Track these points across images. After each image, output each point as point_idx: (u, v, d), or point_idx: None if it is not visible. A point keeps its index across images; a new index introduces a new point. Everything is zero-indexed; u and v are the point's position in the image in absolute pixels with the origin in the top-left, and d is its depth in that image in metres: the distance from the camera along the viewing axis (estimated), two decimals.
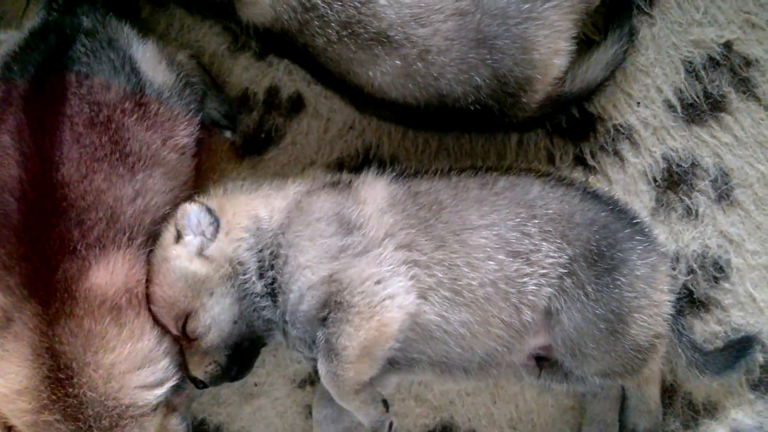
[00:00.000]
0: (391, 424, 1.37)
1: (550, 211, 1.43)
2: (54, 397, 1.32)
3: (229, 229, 1.41)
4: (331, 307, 1.35)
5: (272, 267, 1.40)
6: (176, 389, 1.45)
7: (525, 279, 1.38)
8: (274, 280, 1.40)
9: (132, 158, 1.41)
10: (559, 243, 1.40)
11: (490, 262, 1.38)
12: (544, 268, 1.39)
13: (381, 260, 1.37)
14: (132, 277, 1.38)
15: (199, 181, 1.63)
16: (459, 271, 1.37)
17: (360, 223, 1.39)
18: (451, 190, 1.44)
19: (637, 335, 1.41)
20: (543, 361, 1.47)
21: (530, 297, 1.38)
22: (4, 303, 1.34)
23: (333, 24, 1.41)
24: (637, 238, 1.45)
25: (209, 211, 1.41)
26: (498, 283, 1.37)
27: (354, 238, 1.38)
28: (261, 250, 1.41)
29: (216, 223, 1.41)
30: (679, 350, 1.54)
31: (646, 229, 1.50)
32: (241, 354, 1.44)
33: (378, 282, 1.35)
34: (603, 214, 1.45)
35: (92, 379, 1.32)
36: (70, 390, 1.31)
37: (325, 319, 1.35)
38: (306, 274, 1.36)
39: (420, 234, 1.39)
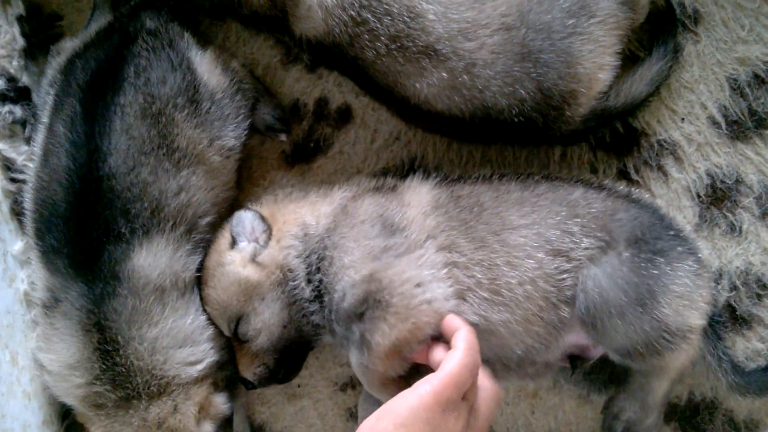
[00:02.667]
0: None
1: (593, 210, 1.43)
2: (104, 366, 1.39)
3: (280, 236, 1.47)
4: (369, 305, 1.37)
5: (319, 270, 1.44)
6: (227, 386, 1.51)
7: (564, 276, 1.38)
8: (321, 281, 1.44)
9: (178, 154, 1.46)
10: (599, 234, 1.40)
11: (529, 261, 1.38)
12: (581, 262, 1.39)
13: (422, 263, 1.39)
14: (176, 261, 1.45)
15: (249, 187, 1.70)
16: (498, 270, 1.39)
17: (403, 226, 1.42)
18: (493, 193, 1.47)
19: (666, 315, 1.37)
20: (577, 360, 1.46)
21: (567, 293, 1.38)
22: (53, 284, 1.42)
23: (382, 37, 1.46)
24: (680, 242, 1.44)
25: (262, 218, 1.47)
26: (537, 282, 1.38)
27: (397, 239, 1.41)
28: (309, 256, 1.46)
29: (269, 230, 1.47)
30: (720, 374, 1.52)
31: (691, 241, 1.49)
32: (289, 357, 1.49)
33: (418, 285, 1.37)
34: (646, 215, 1.45)
35: (137, 350, 1.39)
36: (118, 360, 1.39)
37: (362, 314, 1.38)
38: (350, 273, 1.39)
39: (461, 236, 1.42)
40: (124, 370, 1.39)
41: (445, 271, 1.39)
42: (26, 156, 1.59)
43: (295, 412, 1.69)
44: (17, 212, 1.59)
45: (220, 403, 1.45)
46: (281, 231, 1.47)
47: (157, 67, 1.46)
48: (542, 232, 1.41)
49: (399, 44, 1.46)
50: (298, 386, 1.69)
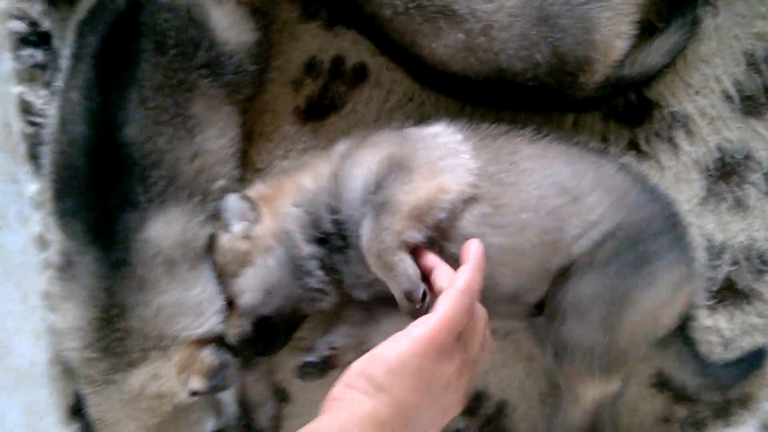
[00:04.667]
0: (425, 293, 1.30)
1: (607, 169, 1.44)
2: (99, 334, 1.42)
3: (274, 209, 1.49)
4: (390, 171, 1.37)
5: (334, 211, 1.45)
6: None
7: (568, 220, 1.38)
8: (335, 212, 1.45)
9: (193, 121, 1.47)
10: (612, 202, 1.40)
11: (534, 188, 1.39)
12: (589, 217, 1.38)
13: (447, 137, 1.42)
14: (189, 231, 1.46)
15: (262, 142, 1.71)
16: (504, 189, 1.39)
17: (424, 134, 1.46)
18: (505, 129, 1.50)
19: (623, 334, 1.39)
20: (535, 311, 1.48)
21: (567, 240, 1.38)
22: (68, 246, 1.44)
23: None
24: (678, 247, 1.45)
25: (244, 197, 1.49)
26: (539, 212, 1.37)
27: (414, 130, 1.45)
28: (315, 209, 1.47)
29: (256, 207, 1.49)
30: (684, 377, 1.57)
31: (690, 246, 1.50)
32: (269, 327, 1.50)
33: (444, 152, 1.39)
34: (656, 207, 1.45)
35: (142, 314, 1.41)
36: (119, 325, 1.41)
37: (380, 185, 1.37)
38: (363, 166, 1.41)
39: (479, 145, 1.43)
40: (120, 335, 1.41)
41: (471, 146, 1.41)
42: (45, 99, 1.61)
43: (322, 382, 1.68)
44: (33, 155, 1.62)
45: (206, 356, 1.44)
46: (278, 204, 1.50)
47: (174, 39, 1.45)
48: (551, 164, 1.42)
49: (417, 3, 1.46)
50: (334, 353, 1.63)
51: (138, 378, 1.41)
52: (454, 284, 1.23)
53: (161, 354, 1.42)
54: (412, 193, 1.34)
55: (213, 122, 1.51)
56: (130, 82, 1.41)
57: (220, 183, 1.53)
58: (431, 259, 1.35)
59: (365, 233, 1.37)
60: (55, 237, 1.47)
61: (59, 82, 1.50)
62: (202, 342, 1.47)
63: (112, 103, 1.41)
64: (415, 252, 1.36)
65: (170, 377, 1.42)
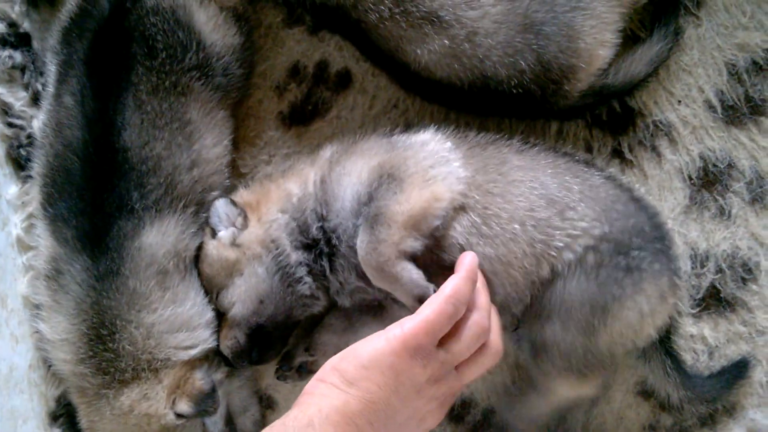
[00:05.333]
0: (435, 290, 1.31)
1: (594, 180, 1.44)
2: (91, 352, 1.40)
3: (261, 215, 1.48)
4: (381, 182, 1.37)
5: (322, 218, 1.45)
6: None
7: (554, 232, 1.38)
8: (322, 219, 1.44)
9: (190, 127, 1.47)
10: (598, 214, 1.40)
11: (522, 200, 1.39)
12: (575, 229, 1.38)
13: (437, 144, 1.42)
14: (181, 242, 1.45)
15: (246, 147, 1.70)
16: (492, 199, 1.39)
17: (411, 142, 1.46)
18: (493, 137, 1.50)
19: (602, 340, 1.39)
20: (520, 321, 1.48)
21: (553, 254, 1.38)
22: (58, 254, 1.41)
23: (386, 1, 1.46)
24: (662, 257, 1.44)
25: (233, 203, 1.48)
26: (526, 224, 1.38)
27: (403, 138, 1.46)
28: (302, 215, 1.47)
29: (243, 213, 1.48)
30: (669, 390, 1.57)
31: (675, 258, 1.50)
32: (263, 336, 1.49)
33: (435, 160, 1.39)
34: (642, 217, 1.45)
35: (132, 335, 1.39)
36: (110, 345, 1.38)
37: (372, 196, 1.37)
38: (353, 175, 1.41)
39: (468, 154, 1.43)
40: (113, 355, 1.39)
41: (460, 155, 1.41)
42: (24, 102, 1.60)
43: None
44: (12, 157, 1.60)
45: (198, 378, 1.43)
46: (261, 211, 1.49)
47: (163, 42, 1.45)
48: (540, 177, 1.42)
49: (402, 9, 1.46)
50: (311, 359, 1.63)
51: (128, 397, 1.40)
52: (442, 290, 1.24)
53: (153, 375, 1.40)
54: (405, 203, 1.34)
55: (210, 129, 1.51)
56: (125, 86, 1.41)
57: (215, 194, 1.53)
58: None
59: (361, 247, 1.36)
60: (44, 243, 1.44)
61: (49, 88, 1.48)
62: (194, 362, 1.45)
63: (109, 107, 1.40)
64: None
65: (159, 399, 1.40)
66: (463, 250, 1.37)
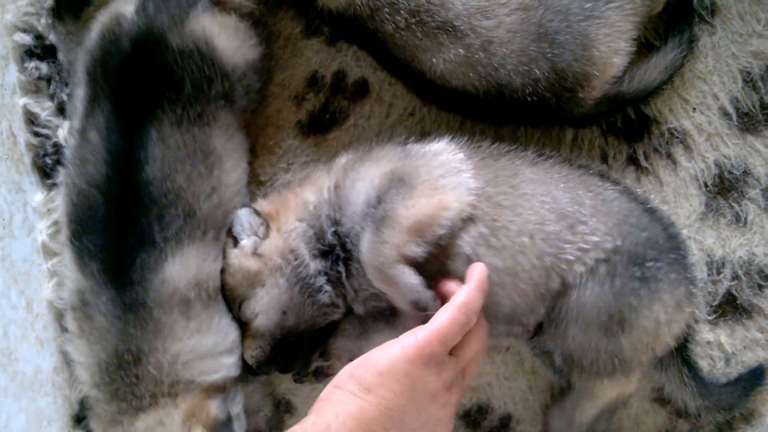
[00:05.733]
0: (434, 297, 1.33)
1: (608, 194, 1.45)
2: (108, 379, 1.41)
3: (280, 225, 1.50)
4: (391, 186, 1.38)
5: (336, 222, 1.47)
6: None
7: (564, 246, 1.38)
8: (336, 224, 1.46)
9: (212, 157, 1.48)
10: (610, 228, 1.40)
11: (532, 214, 1.40)
12: (586, 243, 1.39)
13: (448, 155, 1.44)
14: (203, 271, 1.46)
15: (265, 155, 1.73)
16: (502, 211, 1.40)
17: (425, 150, 1.48)
18: (507, 148, 1.52)
19: (625, 346, 1.40)
20: (539, 330, 1.48)
21: (563, 267, 1.39)
22: (84, 286, 1.43)
23: (402, 11, 1.48)
24: (678, 267, 1.45)
25: (257, 213, 1.51)
26: (536, 237, 1.38)
27: (417, 147, 1.48)
28: (318, 222, 1.49)
29: (265, 222, 1.51)
30: (686, 398, 1.57)
31: (690, 266, 1.50)
32: (287, 346, 1.50)
33: (446, 169, 1.40)
34: (656, 229, 1.45)
35: (159, 361, 1.40)
36: (133, 371, 1.40)
37: (381, 199, 1.38)
38: (366, 180, 1.43)
39: (479, 165, 1.44)
40: (134, 380, 1.40)
41: (471, 166, 1.42)
42: (50, 111, 1.63)
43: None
44: (38, 165, 1.64)
45: (213, 407, 1.43)
46: (281, 221, 1.51)
47: (190, 78, 1.46)
48: (552, 191, 1.43)
49: (418, 18, 1.49)
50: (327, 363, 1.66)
51: (144, 423, 1.40)
52: (454, 299, 1.26)
53: (170, 401, 1.41)
54: (412, 208, 1.36)
55: (230, 153, 1.53)
56: (149, 121, 1.43)
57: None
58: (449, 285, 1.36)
59: (364, 246, 1.38)
60: (71, 275, 1.46)
61: (75, 124, 1.51)
62: (212, 390, 1.46)
63: (133, 143, 1.42)
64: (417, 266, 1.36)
65: (175, 425, 1.40)
66: (469, 260, 1.38)
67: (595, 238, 1.39)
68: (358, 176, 1.47)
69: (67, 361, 1.53)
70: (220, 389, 1.47)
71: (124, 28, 1.45)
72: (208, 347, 1.44)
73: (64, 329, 1.54)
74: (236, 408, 1.50)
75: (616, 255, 1.39)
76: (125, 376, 1.40)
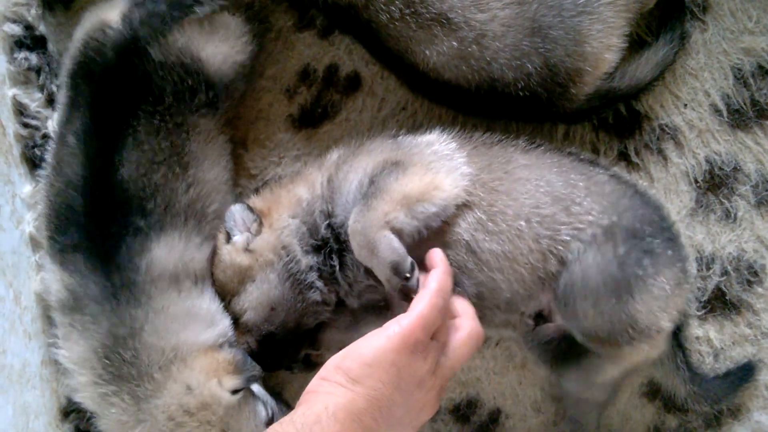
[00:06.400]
0: (413, 265, 1.32)
1: (600, 178, 1.46)
2: (107, 362, 1.39)
3: (272, 222, 1.50)
4: (384, 167, 1.40)
5: (329, 215, 1.47)
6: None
7: (560, 227, 1.39)
8: (329, 216, 1.47)
9: (188, 158, 1.48)
10: (605, 207, 1.41)
11: (527, 197, 1.41)
12: (582, 223, 1.39)
13: (442, 142, 1.45)
14: (188, 254, 1.46)
15: (256, 148, 1.72)
16: (498, 196, 1.41)
17: (418, 141, 1.49)
18: (499, 138, 1.53)
19: (638, 311, 1.38)
20: (540, 319, 1.49)
21: (560, 248, 1.39)
22: (70, 283, 1.42)
23: (397, 2, 1.48)
24: (673, 245, 1.45)
25: (250, 209, 1.51)
26: (532, 220, 1.39)
27: (409, 138, 1.49)
28: (311, 217, 1.49)
29: (258, 219, 1.50)
30: (678, 382, 1.57)
31: (683, 247, 1.51)
32: (275, 343, 1.50)
33: (436, 161, 1.41)
34: (647, 210, 1.46)
35: (154, 326, 1.39)
36: (129, 342, 1.38)
37: (374, 180, 1.39)
38: (359, 171, 1.44)
39: (473, 153, 1.45)
40: (134, 354, 1.38)
41: (464, 154, 1.43)
42: (39, 103, 1.62)
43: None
44: (27, 157, 1.63)
45: (227, 353, 1.42)
46: (273, 218, 1.51)
47: (172, 90, 1.46)
48: (545, 175, 1.44)
49: (413, 9, 1.48)
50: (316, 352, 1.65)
51: (170, 397, 1.37)
52: (428, 286, 1.28)
53: (182, 365, 1.39)
54: (404, 183, 1.37)
55: (207, 154, 1.53)
56: (125, 128, 1.43)
57: (214, 207, 1.54)
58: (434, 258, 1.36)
59: (352, 218, 1.39)
60: (54, 278, 1.45)
61: (55, 128, 1.50)
62: (215, 347, 1.45)
63: (109, 147, 1.42)
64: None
65: (203, 384, 1.38)
66: (468, 246, 1.39)
67: (590, 218, 1.40)
68: (351, 169, 1.47)
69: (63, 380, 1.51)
70: (223, 346, 1.46)
71: (109, 37, 1.44)
72: (203, 310, 1.45)
73: (53, 324, 1.52)
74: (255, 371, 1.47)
75: (615, 228, 1.40)
76: (124, 350, 1.38)
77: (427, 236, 1.40)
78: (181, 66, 1.47)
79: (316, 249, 1.49)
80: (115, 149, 1.42)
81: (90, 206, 1.41)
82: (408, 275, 1.32)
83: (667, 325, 1.43)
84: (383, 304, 1.51)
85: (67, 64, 1.50)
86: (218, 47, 1.52)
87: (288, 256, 1.47)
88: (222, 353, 1.43)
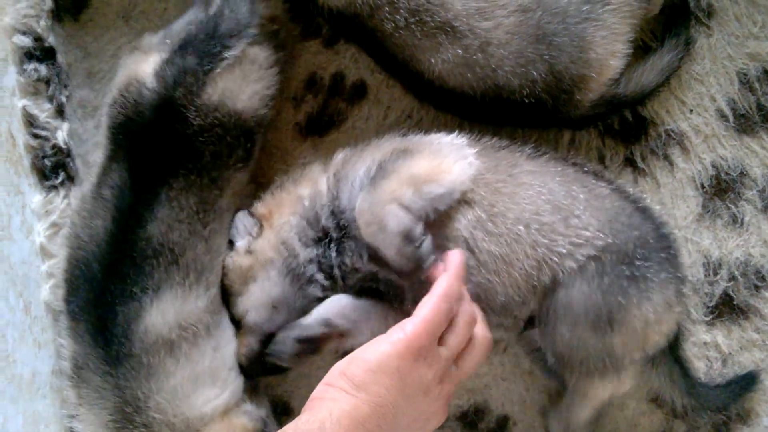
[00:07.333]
0: (424, 230, 1.34)
1: (600, 191, 1.46)
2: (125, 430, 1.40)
3: (273, 222, 1.52)
4: (393, 155, 1.41)
5: (333, 199, 1.48)
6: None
7: (557, 238, 1.40)
8: (333, 199, 1.48)
9: (212, 215, 1.48)
10: (602, 224, 1.41)
11: (529, 203, 1.41)
12: (578, 238, 1.40)
13: (450, 141, 1.47)
14: (182, 313, 1.43)
15: (262, 156, 1.71)
16: (500, 198, 1.42)
17: (427, 139, 1.50)
18: (506, 143, 1.54)
19: (615, 344, 1.40)
20: (529, 325, 1.50)
21: (554, 259, 1.39)
22: (75, 351, 1.43)
23: (402, 11, 1.49)
24: (668, 266, 1.45)
25: (251, 214, 1.53)
26: (531, 226, 1.40)
27: (418, 136, 1.51)
28: (312, 211, 1.50)
29: (258, 222, 1.52)
30: (674, 397, 1.58)
31: (681, 267, 1.51)
32: None
33: (447, 150, 1.44)
34: (647, 228, 1.46)
35: (158, 402, 1.39)
36: (139, 420, 1.38)
37: (383, 166, 1.41)
38: (367, 160, 1.45)
39: (480, 153, 1.47)
40: (145, 429, 1.38)
41: (473, 151, 1.45)
42: (48, 113, 1.64)
43: (296, 376, 1.72)
44: (37, 167, 1.64)
45: (242, 419, 1.43)
46: (275, 217, 1.52)
47: (211, 150, 1.45)
48: (548, 182, 1.44)
49: (418, 18, 1.49)
50: None
51: None
52: (434, 290, 1.27)
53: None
54: (412, 165, 1.39)
55: (232, 207, 1.53)
56: (161, 185, 1.42)
57: (222, 257, 1.53)
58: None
59: (359, 199, 1.39)
60: (65, 342, 1.45)
61: (91, 178, 1.50)
62: (232, 408, 1.45)
63: (142, 202, 1.41)
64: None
65: None
66: (467, 244, 1.40)
67: (587, 233, 1.40)
68: (358, 160, 1.49)
69: None
70: (239, 402, 1.46)
71: (145, 97, 1.42)
72: (206, 373, 1.43)
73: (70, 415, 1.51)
74: (263, 410, 1.50)
75: (606, 253, 1.40)
76: (134, 427, 1.38)
77: (429, 230, 1.39)
78: (220, 126, 1.45)
79: (316, 241, 1.50)
80: (147, 204, 1.41)
81: (104, 263, 1.40)
82: (422, 241, 1.33)
83: (639, 357, 1.45)
84: (381, 289, 1.51)
85: (105, 119, 1.50)
86: (252, 88, 1.51)
87: (287, 251, 1.49)
88: (238, 418, 1.43)
